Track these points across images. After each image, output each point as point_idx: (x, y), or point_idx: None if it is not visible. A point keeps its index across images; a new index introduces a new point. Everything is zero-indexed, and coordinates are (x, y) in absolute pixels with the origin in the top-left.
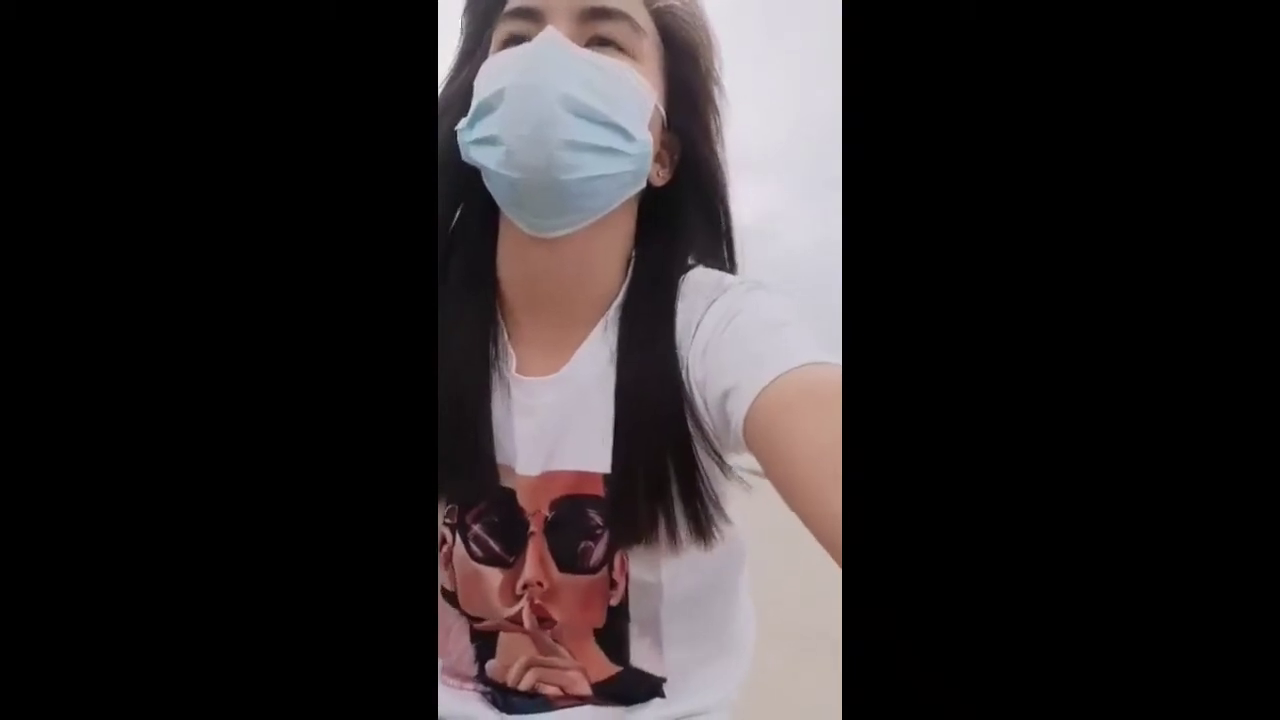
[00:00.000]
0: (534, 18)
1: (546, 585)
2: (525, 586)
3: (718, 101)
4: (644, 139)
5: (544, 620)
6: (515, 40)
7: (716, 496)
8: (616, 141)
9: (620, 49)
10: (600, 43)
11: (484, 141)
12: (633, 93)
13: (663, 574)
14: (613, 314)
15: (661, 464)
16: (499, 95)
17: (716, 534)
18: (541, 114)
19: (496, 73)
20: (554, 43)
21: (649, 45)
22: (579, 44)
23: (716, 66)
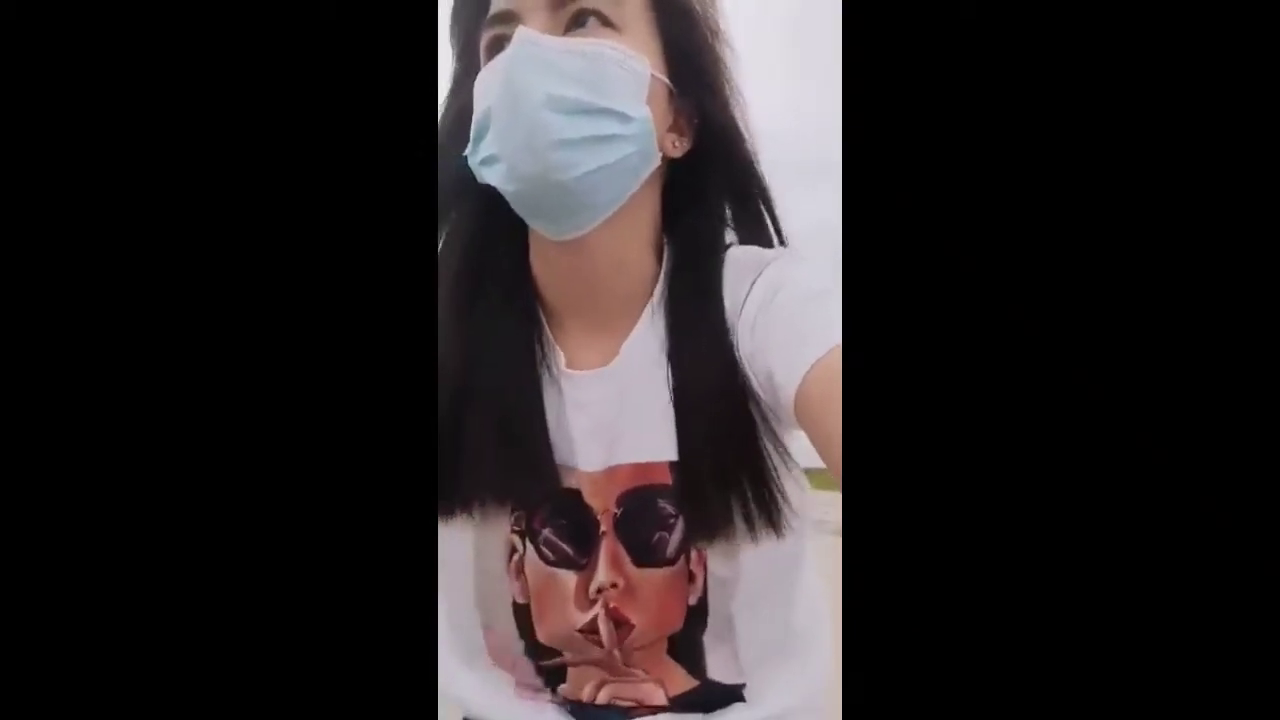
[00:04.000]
0: (510, 19)
1: (623, 584)
2: (600, 591)
3: (725, 59)
4: (642, 115)
5: (621, 624)
6: (498, 44)
7: (782, 484)
8: (612, 127)
9: (602, 22)
10: (580, 21)
11: (487, 162)
12: (620, 69)
13: (740, 566)
14: (657, 301)
15: (728, 450)
16: (487, 114)
17: (786, 522)
18: (528, 122)
19: (484, 90)
20: (527, 44)
21: (633, 9)
22: (559, 30)
23: (721, 22)
